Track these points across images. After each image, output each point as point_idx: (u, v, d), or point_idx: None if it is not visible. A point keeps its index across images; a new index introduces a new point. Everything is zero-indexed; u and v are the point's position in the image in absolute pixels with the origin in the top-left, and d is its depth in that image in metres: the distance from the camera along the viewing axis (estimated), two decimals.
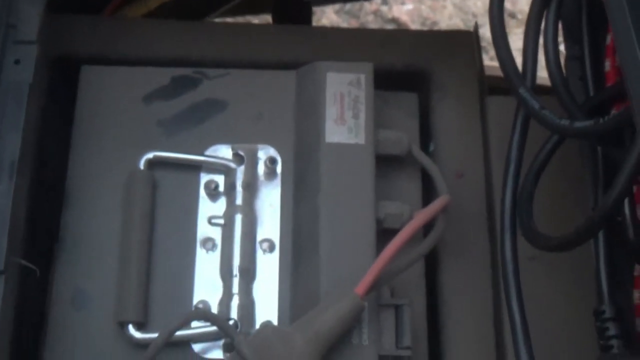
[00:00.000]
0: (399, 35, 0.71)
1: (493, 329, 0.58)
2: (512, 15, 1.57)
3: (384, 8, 1.56)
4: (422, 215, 0.55)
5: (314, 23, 0.87)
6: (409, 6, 1.57)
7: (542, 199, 0.52)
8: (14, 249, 0.50)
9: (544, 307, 0.57)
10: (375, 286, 0.52)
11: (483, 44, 1.55)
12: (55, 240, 0.57)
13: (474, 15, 1.53)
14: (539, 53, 0.53)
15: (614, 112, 0.49)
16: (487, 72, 0.70)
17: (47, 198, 0.59)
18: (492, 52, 1.60)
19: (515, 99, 0.53)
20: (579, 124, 0.48)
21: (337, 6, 1.54)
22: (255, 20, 1.01)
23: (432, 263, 0.60)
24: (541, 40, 0.52)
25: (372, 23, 1.53)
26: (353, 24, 1.52)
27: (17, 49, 0.53)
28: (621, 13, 0.42)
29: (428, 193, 0.61)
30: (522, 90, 0.52)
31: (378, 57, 0.64)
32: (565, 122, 0.49)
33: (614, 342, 0.45)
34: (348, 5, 1.56)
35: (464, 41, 0.67)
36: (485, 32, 1.62)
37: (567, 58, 0.55)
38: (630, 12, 0.42)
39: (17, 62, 0.53)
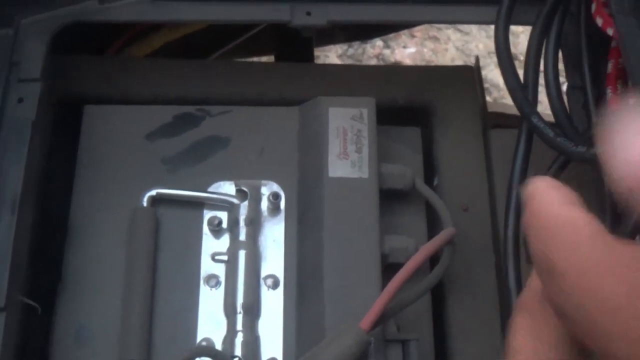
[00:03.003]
0: (401, 71, 0.71)
1: None
2: (514, 57, 1.58)
3: (387, 52, 1.57)
4: (426, 248, 0.54)
5: None
6: (412, 49, 1.58)
7: None
8: (16, 285, 0.50)
9: None
10: (380, 320, 0.51)
11: (485, 85, 1.56)
12: (59, 277, 0.57)
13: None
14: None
15: None
16: (490, 109, 0.70)
17: (50, 236, 0.58)
18: (495, 94, 1.61)
19: (528, 126, 0.52)
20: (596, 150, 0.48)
21: (340, 50, 1.56)
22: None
23: (439, 298, 0.59)
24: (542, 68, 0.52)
25: None
26: None
27: (21, 87, 0.53)
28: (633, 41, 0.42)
29: (434, 227, 0.60)
30: (535, 119, 0.51)
31: (380, 92, 0.64)
32: (582, 148, 0.48)
33: None
34: (350, 50, 1.58)
35: (465, 76, 0.67)
36: (487, 74, 1.63)
37: (569, 87, 0.55)
38: None
39: (20, 100, 0.53)
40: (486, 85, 1.52)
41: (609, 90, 0.50)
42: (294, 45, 0.68)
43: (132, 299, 0.55)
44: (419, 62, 1.55)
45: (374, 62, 1.54)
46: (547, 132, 0.49)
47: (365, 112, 0.60)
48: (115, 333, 0.54)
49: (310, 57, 0.71)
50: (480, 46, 1.59)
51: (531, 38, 0.53)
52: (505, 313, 0.58)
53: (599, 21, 0.50)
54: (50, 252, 0.58)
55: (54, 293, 0.57)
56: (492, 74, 1.52)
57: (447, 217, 0.58)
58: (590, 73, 0.52)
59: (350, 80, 0.66)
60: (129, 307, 0.55)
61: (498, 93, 1.54)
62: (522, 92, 0.52)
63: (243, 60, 0.78)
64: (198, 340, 0.55)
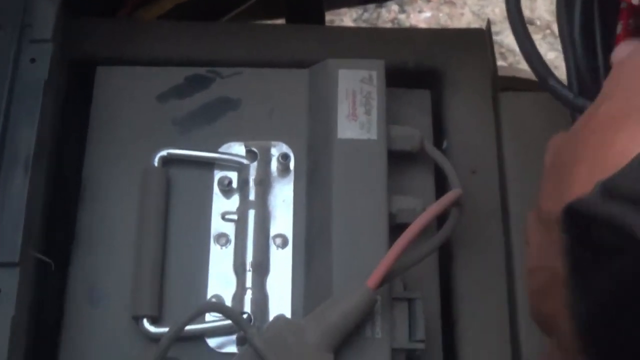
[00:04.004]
0: (411, 34, 0.71)
1: (508, 322, 0.58)
2: (531, 22, 1.57)
3: (402, 16, 1.57)
4: (433, 208, 0.55)
5: None
6: (427, 14, 1.57)
7: None
8: (30, 242, 0.51)
9: None
10: (387, 279, 0.52)
11: (502, 50, 1.55)
12: (73, 236, 0.58)
13: (492, 23, 1.53)
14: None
15: None
16: (501, 73, 0.70)
17: (64, 196, 0.59)
18: (511, 59, 1.59)
19: (547, 91, 0.52)
20: None
21: (354, 15, 1.55)
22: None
23: (446, 258, 0.60)
24: None
25: None
26: None
27: (33, 48, 0.54)
28: None
29: (442, 189, 0.61)
30: (552, 81, 0.51)
31: (390, 55, 0.64)
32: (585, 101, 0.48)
33: None
34: (365, 14, 1.57)
35: (476, 39, 0.68)
36: (504, 39, 1.62)
37: None
38: None
39: (32, 60, 0.54)
40: (502, 50, 1.51)
41: None
42: (305, 7, 0.68)
43: (144, 257, 0.56)
44: (434, 27, 1.54)
45: (389, 26, 1.54)
46: (566, 94, 0.48)
47: (374, 74, 0.60)
48: (127, 290, 0.55)
49: (321, 20, 0.71)
50: (497, 10, 1.58)
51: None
52: (511, 274, 0.59)
53: None
54: (65, 212, 0.59)
55: (68, 251, 0.58)
56: (509, 39, 1.51)
57: (455, 179, 0.59)
58: (601, 34, 0.52)
59: (361, 43, 0.66)
60: (141, 265, 0.56)
61: (514, 58, 1.53)
62: (536, 53, 0.51)
63: (254, 22, 0.78)
64: (208, 297, 0.56)
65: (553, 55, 1.54)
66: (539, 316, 0.42)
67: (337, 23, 1.51)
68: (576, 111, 0.50)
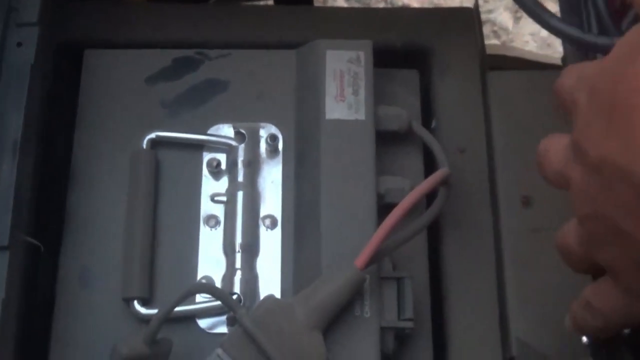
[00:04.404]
0: (399, 13, 0.71)
1: (496, 301, 0.58)
2: None
3: None
4: (420, 188, 0.55)
5: None
6: None
7: None
8: (19, 225, 0.51)
9: (549, 280, 0.57)
10: (375, 258, 0.53)
11: (495, 28, 1.54)
12: (63, 220, 0.58)
13: (486, 1, 1.53)
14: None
15: None
16: (491, 52, 0.70)
17: (54, 179, 0.60)
18: (504, 37, 1.58)
19: (545, 29, 0.49)
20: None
21: None
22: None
23: (434, 236, 0.60)
24: None
25: None
26: None
27: (19, 32, 0.54)
28: None
29: (431, 169, 0.61)
30: (554, 21, 0.46)
31: (379, 34, 0.64)
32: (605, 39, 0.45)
33: None
34: None
35: (464, 17, 0.68)
36: (497, 17, 1.61)
37: None
38: None
39: (19, 44, 0.54)
40: (495, 28, 1.51)
41: None
42: None
43: (134, 239, 0.56)
44: (427, 6, 1.54)
45: (381, 5, 1.53)
46: (573, 32, 0.46)
47: (362, 54, 0.60)
48: (118, 273, 0.56)
49: (309, 0, 0.71)
50: None
51: None
52: (499, 252, 0.59)
53: None
54: (55, 195, 0.60)
55: (59, 234, 0.58)
56: (502, 17, 1.51)
57: (443, 159, 0.59)
58: None
59: (349, 23, 0.66)
60: (131, 247, 0.56)
61: (507, 36, 1.52)
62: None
63: (242, 3, 0.78)
64: (198, 278, 0.56)
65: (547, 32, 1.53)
66: (586, 263, 0.41)
67: (330, 3, 1.50)
68: (589, 50, 0.47)
